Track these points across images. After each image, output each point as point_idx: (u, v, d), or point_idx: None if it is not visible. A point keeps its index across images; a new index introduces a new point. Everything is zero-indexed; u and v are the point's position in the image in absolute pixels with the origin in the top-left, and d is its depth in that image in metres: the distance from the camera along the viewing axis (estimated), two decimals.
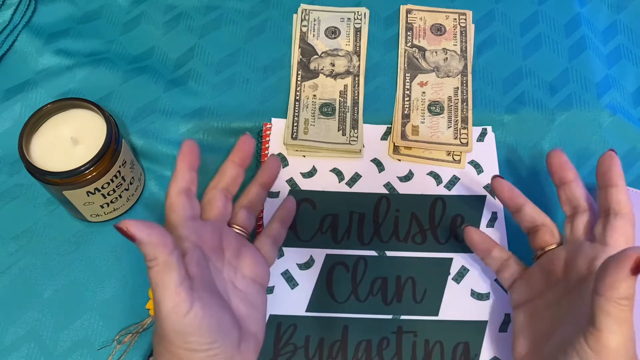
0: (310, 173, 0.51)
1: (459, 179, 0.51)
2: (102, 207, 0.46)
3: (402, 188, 0.50)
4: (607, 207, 0.38)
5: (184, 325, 0.32)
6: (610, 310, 0.30)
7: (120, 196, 0.47)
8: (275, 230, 0.44)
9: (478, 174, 0.51)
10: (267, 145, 0.52)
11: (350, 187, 0.51)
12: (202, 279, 0.34)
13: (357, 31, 0.57)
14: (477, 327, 0.45)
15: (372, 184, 0.51)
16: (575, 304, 0.36)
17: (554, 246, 0.40)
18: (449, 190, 0.50)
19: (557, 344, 0.35)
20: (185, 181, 0.37)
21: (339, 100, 0.53)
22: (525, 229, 0.42)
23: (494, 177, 0.43)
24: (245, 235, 0.41)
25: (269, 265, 0.42)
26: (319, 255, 0.48)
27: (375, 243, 0.48)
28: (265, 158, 0.48)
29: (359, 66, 0.55)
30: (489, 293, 0.46)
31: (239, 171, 0.41)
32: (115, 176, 0.45)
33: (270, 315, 0.45)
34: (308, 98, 0.53)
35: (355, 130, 0.52)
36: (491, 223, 0.49)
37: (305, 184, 0.51)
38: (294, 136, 0.51)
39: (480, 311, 0.46)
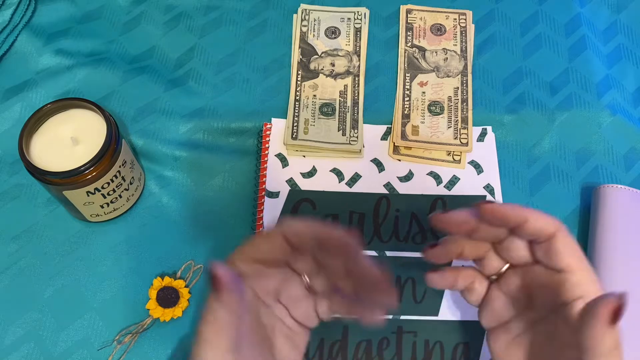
0: (310, 173, 0.51)
1: (459, 179, 0.51)
2: (102, 207, 0.46)
3: (402, 188, 0.50)
4: (536, 237, 0.34)
5: None
6: None
7: (120, 196, 0.47)
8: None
9: (478, 174, 0.51)
10: (267, 145, 0.52)
11: (350, 187, 0.50)
12: (251, 330, 0.33)
13: (357, 31, 0.57)
14: (477, 328, 0.45)
15: (372, 184, 0.51)
16: (551, 339, 0.34)
17: (503, 270, 0.37)
18: (449, 190, 0.50)
19: None
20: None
21: (339, 100, 0.53)
22: (475, 258, 0.38)
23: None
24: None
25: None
26: None
27: (375, 243, 0.48)
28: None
29: (359, 66, 0.55)
30: None
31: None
32: (115, 176, 0.45)
33: None
34: (308, 98, 0.53)
35: (355, 130, 0.52)
36: None
37: (305, 184, 0.50)
38: (294, 136, 0.51)
39: None
